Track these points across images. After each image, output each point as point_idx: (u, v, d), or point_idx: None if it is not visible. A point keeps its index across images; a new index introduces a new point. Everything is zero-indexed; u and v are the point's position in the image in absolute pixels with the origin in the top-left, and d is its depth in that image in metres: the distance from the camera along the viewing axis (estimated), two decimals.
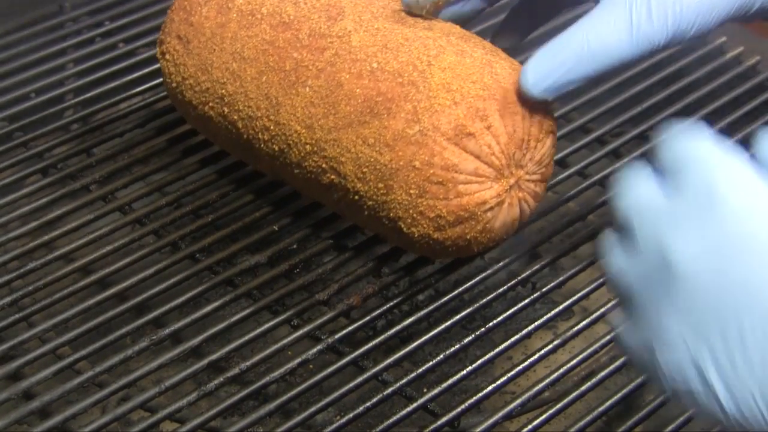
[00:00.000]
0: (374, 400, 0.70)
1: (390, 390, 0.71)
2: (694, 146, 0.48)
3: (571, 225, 0.84)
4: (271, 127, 0.74)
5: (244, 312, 0.75)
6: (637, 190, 0.50)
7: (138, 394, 0.70)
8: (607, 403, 0.72)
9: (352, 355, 0.73)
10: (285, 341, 0.73)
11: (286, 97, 0.73)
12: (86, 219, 0.83)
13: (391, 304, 0.76)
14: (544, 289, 0.78)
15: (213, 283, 0.78)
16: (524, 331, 0.75)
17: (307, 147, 0.72)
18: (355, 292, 0.77)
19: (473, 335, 0.74)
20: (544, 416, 0.70)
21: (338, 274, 0.80)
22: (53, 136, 0.92)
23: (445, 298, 0.77)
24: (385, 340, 0.74)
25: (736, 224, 0.45)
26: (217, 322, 0.74)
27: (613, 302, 0.78)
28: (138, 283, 0.77)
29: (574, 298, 0.78)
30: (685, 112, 0.95)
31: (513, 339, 0.75)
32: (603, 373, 0.73)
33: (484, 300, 0.77)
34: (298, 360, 0.72)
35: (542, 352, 0.74)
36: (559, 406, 0.71)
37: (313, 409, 0.70)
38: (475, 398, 0.71)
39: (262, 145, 0.75)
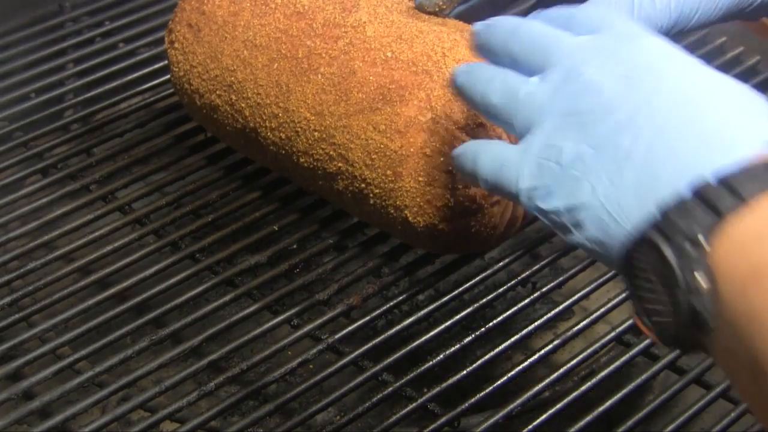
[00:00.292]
0: (374, 400, 0.70)
1: (390, 390, 0.71)
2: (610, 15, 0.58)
3: None
4: (280, 114, 0.74)
5: (244, 312, 0.75)
6: (559, 33, 0.58)
7: (138, 394, 0.70)
8: (607, 403, 0.72)
9: (352, 355, 0.73)
10: (285, 341, 0.73)
11: (297, 84, 0.73)
12: (86, 219, 0.83)
13: (391, 304, 0.76)
14: (544, 289, 0.78)
15: (213, 283, 0.78)
16: (524, 331, 0.75)
17: (316, 134, 0.72)
18: (355, 292, 0.77)
19: (473, 335, 0.74)
20: (544, 416, 0.70)
21: (338, 274, 0.80)
22: (53, 136, 0.92)
23: (445, 298, 0.77)
24: (385, 340, 0.74)
25: (647, 54, 0.54)
26: (217, 322, 0.74)
27: (613, 302, 0.78)
28: (138, 283, 0.77)
29: (574, 298, 0.78)
30: None
31: (513, 339, 0.75)
32: (603, 373, 0.74)
33: (484, 300, 0.77)
34: (298, 360, 0.72)
35: (542, 352, 0.74)
36: (559, 406, 0.71)
37: (313, 409, 0.70)
38: (475, 398, 0.71)
39: (268, 133, 0.75)
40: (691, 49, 1.02)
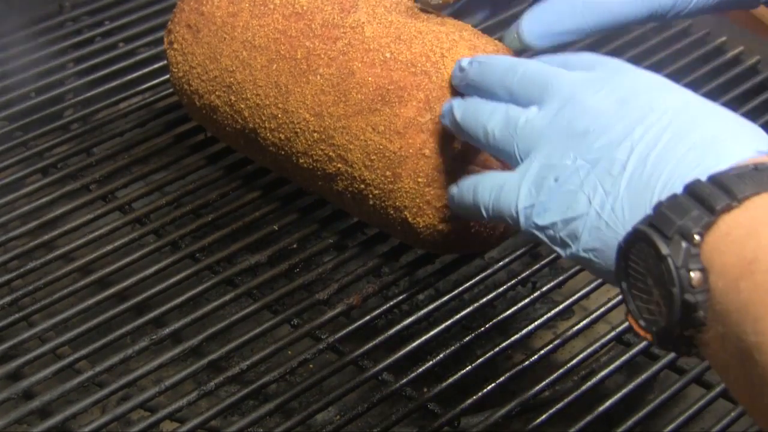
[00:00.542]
0: (374, 400, 0.70)
1: (390, 390, 0.71)
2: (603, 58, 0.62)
3: None
4: (279, 115, 0.74)
5: (244, 311, 0.75)
6: (555, 69, 0.61)
7: (138, 394, 0.70)
8: (607, 403, 0.72)
9: (352, 355, 0.73)
10: (285, 341, 0.73)
11: (296, 85, 0.73)
12: (86, 219, 0.83)
13: (391, 304, 0.76)
14: (544, 289, 0.78)
15: (213, 283, 0.78)
16: (524, 331, 0.75)
17: (315, 135, 0.72)
18: (355, 292, 0.77)
19: (473, 335, 0.74)
20: (544, 416, 0.70)
21: (338, 273, 0.80)
22: (53, 135, 0.92)
23: (445, 298, 0.77)
24: (385, 340, 0.74)
25: (640, 82, 0.57)
26: (217, 321, 0.74)
27: (613, 302, 0.78)
28: (138, 282, 0.77)
29: (574, 298, 0.78)
30: None
31: (513, 339, 0.75)
32: (603, 373, 0.74)
33: (484, 300, 0.77)
34: (298, 360, 0.72)
35: (542, 351, 0.74)
36: (559, 406, 0.71)
37: (313, 408, 0.70)
38: (475, 398, 0.71)
39: (267, 134, 0.75)
40: (691, 49, 1.03)
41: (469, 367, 0.73)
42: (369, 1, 0.74)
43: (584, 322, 0.76)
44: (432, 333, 0.74)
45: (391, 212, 0.71)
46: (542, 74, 0.60)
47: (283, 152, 0.75)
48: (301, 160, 0.74)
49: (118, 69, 0.99)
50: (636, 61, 0.99)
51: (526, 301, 0.78)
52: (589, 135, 0.55)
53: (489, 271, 0.79)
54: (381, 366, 0.72)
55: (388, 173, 0.69)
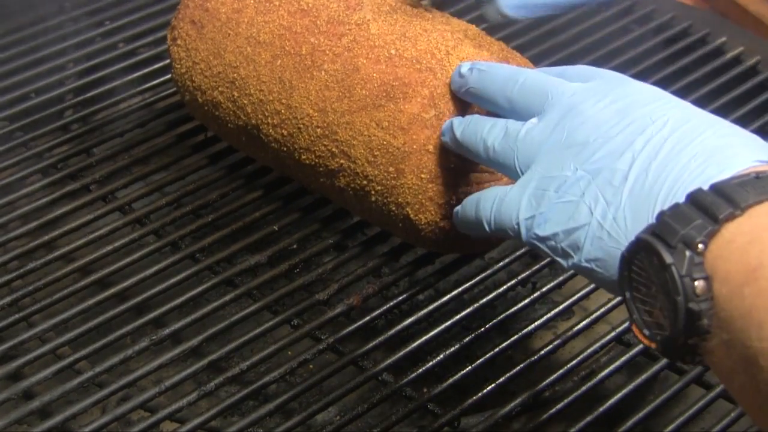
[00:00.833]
0: (374, 400, 0.70)
1: (390, 390, 0.71)
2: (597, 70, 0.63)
3: None
4: (282, 111, 0.74)
5: (244, 312, 0.75)
6: (555, 79, 0.62)
7: (138, 394, 0.70)
8: (608, 404, 0.72)
9: (352, 355, 0.73)
10: (285, 341, 0.73)
11: (300, 81, 0.73)
12: (86, 219, 0.83)
13: (391, 304, 0.76)
14: (544, 289, 0.78)
15: (213, 283, 0.78)
16: (524, 332, 0.75)
17: (318, 130, 0.72)
18: (355, 292, 0.77)
19: (473, 335, 0.74)
20: (544, 416, 0.70)
21: (338, 274, 0.80)
22: (53, 136, 0.92)
23: (445, 298, 0.77)
24: (385, 340, 0.74)
25: (639, 93, 0.58)
26: (217, 322, 0.74)
27: (613, 302, 0.78)
28: (138, 283, 0.77)
29: (574, 298, 0.78)
30: None
31: (513, 339, 0.75)
32: (603, 373, 0.74)
33: (484, 300, 0.77)
34: (298, 360, 0.72)
35: (542, 352, 0.74)
36: (559, 406, 0.71)
37: (313, 409, 0.70)
38: (475, 398, 0.71)
39: (270, 130, 0.75)
40: (692, 49, 1.03)
41: (469, 367, 0.73)
42: None
43: (584, 322, 0.76)
44: (432, 333, 0.74)
45: (393, 209, 0.71)
46: (542, 84, 0.61)
47: (285, 148, 0.75)
48: (303, 157, 0.74)
49: (118, 69, 0.99)
50: (636, 61, 1.00)
51: (526, 301, 0.78)
52: (589, 146, 0.56)
53: (489, 272, 0.79)
54: (381, 366, 0.72)
55: (391, 169, 0.69)
